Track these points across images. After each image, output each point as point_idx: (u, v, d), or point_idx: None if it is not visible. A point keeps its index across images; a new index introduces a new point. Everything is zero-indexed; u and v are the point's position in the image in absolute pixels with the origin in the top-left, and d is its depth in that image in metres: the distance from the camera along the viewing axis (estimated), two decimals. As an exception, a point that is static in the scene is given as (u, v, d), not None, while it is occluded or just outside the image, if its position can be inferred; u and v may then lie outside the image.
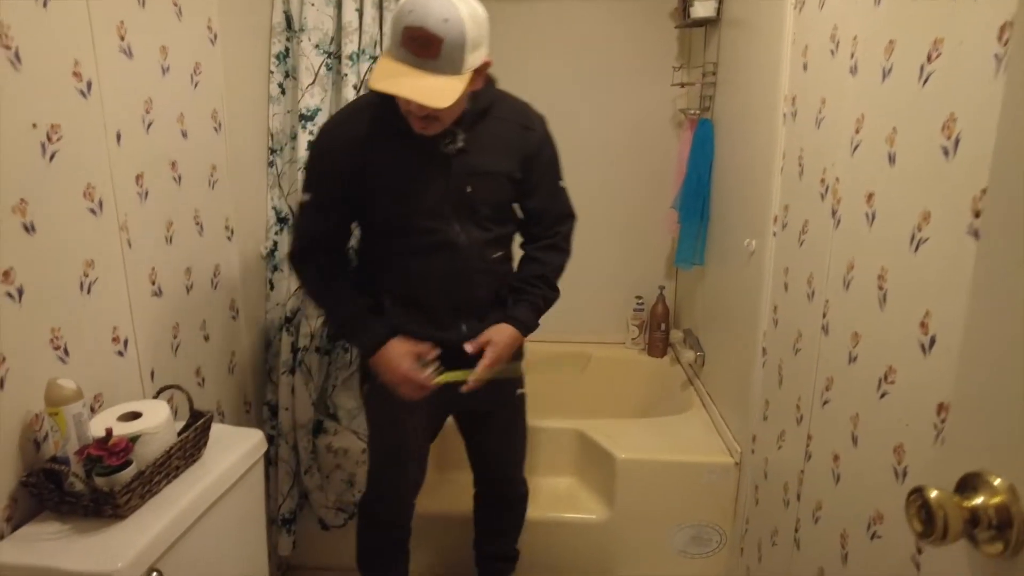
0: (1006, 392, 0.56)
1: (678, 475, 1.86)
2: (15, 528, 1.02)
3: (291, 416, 1.81)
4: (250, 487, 1.29)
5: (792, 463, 1.45)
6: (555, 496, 1.99)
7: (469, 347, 1.41)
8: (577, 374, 2.55)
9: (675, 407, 2.22)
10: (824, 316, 1.31)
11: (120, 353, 1.27)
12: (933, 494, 0.55)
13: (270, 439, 1.83)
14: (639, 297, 2.64)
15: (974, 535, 0.56)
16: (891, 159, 1.08)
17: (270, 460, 1.84)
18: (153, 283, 1.37)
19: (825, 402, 1.30)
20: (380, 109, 1.30)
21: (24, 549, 0.96)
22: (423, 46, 1.13)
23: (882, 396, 1.09)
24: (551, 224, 1.54)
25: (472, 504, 1.78)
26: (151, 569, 0.98)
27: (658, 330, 2.58)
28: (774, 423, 1.58)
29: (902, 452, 1.02)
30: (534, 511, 1.91)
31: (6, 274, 1.01)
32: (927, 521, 0.55)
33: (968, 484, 0.57)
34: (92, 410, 1.18)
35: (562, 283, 2.61)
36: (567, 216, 1.57)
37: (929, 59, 0.98)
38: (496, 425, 1.62)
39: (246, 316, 1.75)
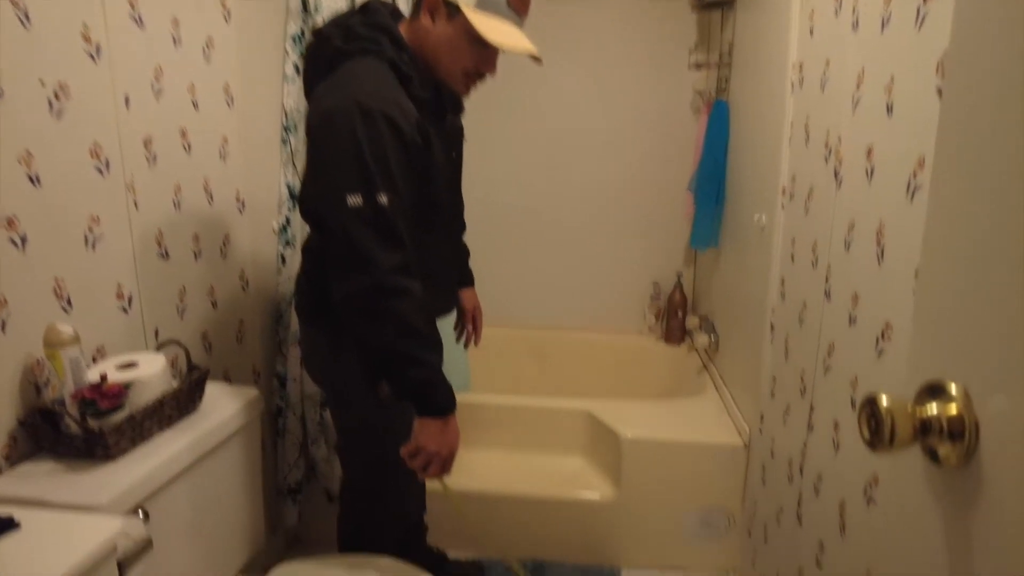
0: (962, 297, 0.53)
1: (685, 456, 1.82)
2: (13, 466, 1.06)
3: (299, 388, 1.83)
4: (246, 443, 1.31)
5: (796, 437, 1.41)
6: (562, 476, 1.97)
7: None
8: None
9: (689, 392, 2.18)
10: (827, 281, 1.27)
11: (124, 309, 1.30)
12: (884, 402, 0.52)
13: (279, 410, 1.86)
14: (656, 284, 2.61)
15: (928, 444, 0.53)
16: (889, 109, 1.04)
17: (278, 431, 1.86)
18: (160, 245, 1.40)
19: (827, 369, 1.26)
20: (395, 76, 1.21)
21: (18, 483, 1.00)
22: (527, 5, 1.23)
23: (880, 354, 1.05)
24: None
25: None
26: (137, 507, 1.01)
27: (675, 317, 2.54)
28: (780, 399, 1.54)
29: (897, 410, 0.98)
30: (541, 489, 1.90)
31: (10, 222, 1.05)
32: (875, 429, 0.52)
33: (928, 393, 0.55)
34: (94, 360, 1.22)
35: (580, 271, 2.64)
36: None
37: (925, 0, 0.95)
38: None
39: (256, 287, 1.79)
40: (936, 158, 0.61)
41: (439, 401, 1.19)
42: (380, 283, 1.12)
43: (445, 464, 1.23)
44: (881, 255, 1.06)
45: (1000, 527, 0.47)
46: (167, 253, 1.43)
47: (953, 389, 0.52)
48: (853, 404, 1.14)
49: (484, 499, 1.88)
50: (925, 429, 0.52)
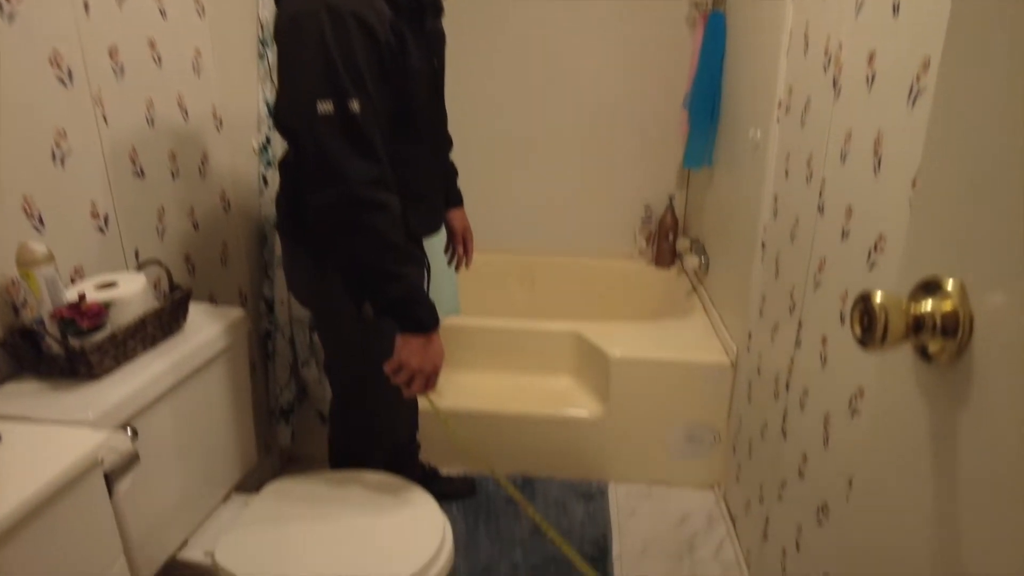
0: (963, 192, 0.51)
1: (672, 375, 1.84)
2: (-4, 386, 1.05)
3: (287, 310, 1.82)
4: (232, 363, 1.30)
5: (783, 354, 1.42)
6: (552, 395, 2.00)
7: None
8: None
9: (678, 313, 2.19)
10: (820, 195, 1.25)
11: (100, 229, 1.26)
12: (878, 298, 0.51)
13: (267, 333, 1.85)
14: (647, 207, 2.57)
15: (920, 341, 0.52)
16: (895, 9, 0.99)
17: (268, 354, 1.86)
18: (134, 163, 1.35)
19: (817, 285, 1.25)
20: None
21: (1, 402, 0.99)
22: None
23: (872, 267, 1.04)
24: None
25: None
26: (126, 424, 1.00)
27: (666, 240, 2.51)
28: (769, 317, 1.54)
29: (886, 322, 0.98)
30: (531, 408, 1.93)
31: (-30, 134, 1.00)
32: (868, 326, 0.51)
33: (923, 290, 0.53)
34: (72, 281, 1.19)
35: (570, 194, 2.59)
36: None
37: None
38: None
39: (238, 209, 1.74)
40: (944, 52, 0.57)
41: (420, 316, 1.18)
42: (354, 195, 1.08)
43: (429, 380, 1.22)
44: (878, 166, 1.03)
45: (989, 421, 0.47)
46: (142, 171, 1.38)
47: (949, 285, 0.50)
48: (842, 319, 1.13)
49: (475, 418, 1.91)
50: (918, 326, 0.51)
